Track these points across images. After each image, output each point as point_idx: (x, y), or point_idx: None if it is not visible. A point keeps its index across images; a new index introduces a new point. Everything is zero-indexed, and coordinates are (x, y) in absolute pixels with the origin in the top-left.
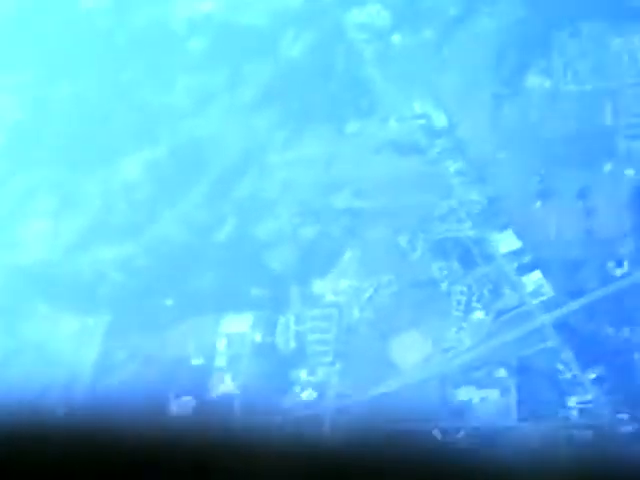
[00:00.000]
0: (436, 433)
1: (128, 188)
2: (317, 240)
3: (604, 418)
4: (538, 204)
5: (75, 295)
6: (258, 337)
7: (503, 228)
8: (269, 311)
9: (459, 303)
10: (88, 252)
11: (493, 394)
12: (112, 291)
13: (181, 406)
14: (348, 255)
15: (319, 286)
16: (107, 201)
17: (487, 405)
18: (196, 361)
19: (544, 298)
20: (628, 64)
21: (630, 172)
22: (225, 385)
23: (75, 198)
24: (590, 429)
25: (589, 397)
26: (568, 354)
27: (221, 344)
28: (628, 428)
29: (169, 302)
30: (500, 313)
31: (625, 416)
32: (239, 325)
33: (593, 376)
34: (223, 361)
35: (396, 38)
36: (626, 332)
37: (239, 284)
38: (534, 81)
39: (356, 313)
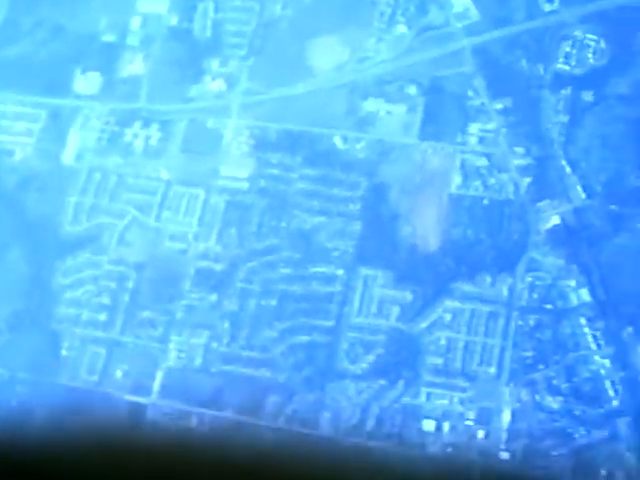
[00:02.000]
0: (337, 140)
1: None
2: None
3: (500, 148)
4: None
5: None
6: (174, 20)
7: None
8: None
9: (383, 14)
10: None
11: (400, 109)
12: None
13: (87, 81)
14: None
15: None
16: None
17: (392, 119)
18: (107, 37)
19: (469, 22)
20: None
21: None
22: (134, 65)
23: None
24: (485, 156)
25: (491, 126)
26: (480, 81)
27: (135, 23)
28: (520, 162)
29: None
30: (423, 30)
31: (521, 150)
32: (156, 5)
33: (500, 106)
34: (135, 40)
35: None
36: (540, 69)
37: None
38: None
39: (278, 10)
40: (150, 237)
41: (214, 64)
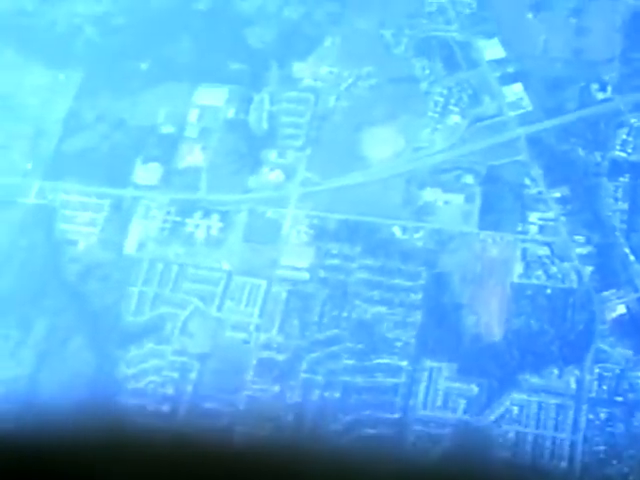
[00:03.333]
0: (396, 230)
1: None
2: (300, 22)
3: (561, 236)
4: (530, 15)
5: (48, 47)
6: (231, 113)
7: (491, 35)
8: (245, 87)
9: (436, 104)
10: (64, 3)
11: (458, 199)
12: (86, 47)
13: (148, 171)
14: (329, 41)
15: (298, 68)
16: None
17: (450, 209)
18: (166, 129)
19: (522, 111)
20: None
21: None
22: (193, 156)
23: None
24: (546, 245)
25: (550, 215)
26: (537, 170)
27: (193, 115)
28: (582, 250)
29: (144, 66)
30: (476, 120)
31: (581, 238)
32: (213, 98)
33: (558, 195)
34: (194, 132)
35: None
36: (597, 157)
37: (217, 56)
38: None
39: (332, 101)
40: (212, 327)
41: (271, 155)
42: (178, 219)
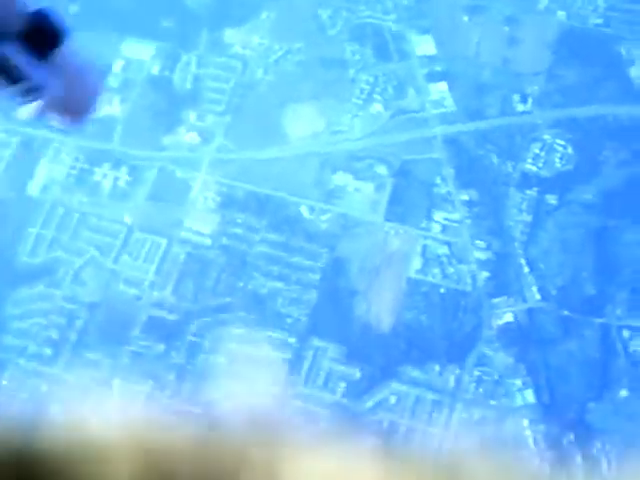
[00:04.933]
0: (303, 209)
1: None
2: None
3: (462, 238)
4: (465, 18)
5: None
6: (156, 69)
7: (425, 31)
8: (174, 46)
9: (362, 92)
10: None
11: (368, 187)
12: None
13: None
14: (265, 14)
15: (230, 35)
16: None
17: (359, 196)
18: None
19: (444, 110)
20: None
21: (562, 14)
22: (112, 107)
23: None
24: (447, 245)
25: (456, 216)
26: (449, 170)
27: (117, 66)
28: (480, 255)
29: (73, 8)
30: (398, 112)
31: (482, 244)
32: (140, 52)
33: (466, 198)
34: (115, 83)
35: None
36: (509, 166)
37: (150, 10)
38: None
39: (260, 73)
40: (105, 278)
41: (191, 116)
42: (86, 167)
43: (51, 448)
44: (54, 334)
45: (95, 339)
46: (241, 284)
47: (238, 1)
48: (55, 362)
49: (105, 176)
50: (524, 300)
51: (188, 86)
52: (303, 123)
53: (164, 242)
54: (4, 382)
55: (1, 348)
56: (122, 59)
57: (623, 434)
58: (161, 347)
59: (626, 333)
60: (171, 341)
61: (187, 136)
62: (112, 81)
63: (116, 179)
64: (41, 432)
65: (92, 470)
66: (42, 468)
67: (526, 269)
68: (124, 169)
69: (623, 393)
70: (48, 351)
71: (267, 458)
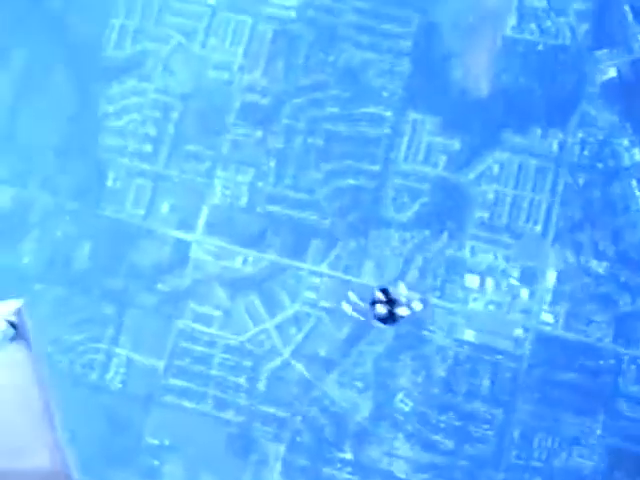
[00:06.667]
0: None
1: None
2: None
3: None
4: None
5: None
6: None
7: None
8: None
9: None
10: None
11: None
12: None
13: None
14: None
15: None
16: None
17: None
18: None
19: None
20: None
21: None
22: None
23: None
24: None
25: None
26: None
27: None
28: (580, 6)
29: None
30: None
31: None
32: None
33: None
34: None
35: None
36: None
37: None
38: None
39: None
40: (195, 65)
41: None
42: None
43: None
44: (151, 130)
45: (192, 130)
46: (332, 58)
47: None
48: (156, 159)
49: None
50: (629, 51)
51: None
52: None
53: (249, 20)
54: (109, 183)
55: (102, 148)
56: None
57: None
58: (259, 133)
59: None
60: (267, 125)
61: None
62: None
63: None
64: None
65: None
66: None
67: (630, 17)
68: None
69: None
70: (148, 148)
71: None
